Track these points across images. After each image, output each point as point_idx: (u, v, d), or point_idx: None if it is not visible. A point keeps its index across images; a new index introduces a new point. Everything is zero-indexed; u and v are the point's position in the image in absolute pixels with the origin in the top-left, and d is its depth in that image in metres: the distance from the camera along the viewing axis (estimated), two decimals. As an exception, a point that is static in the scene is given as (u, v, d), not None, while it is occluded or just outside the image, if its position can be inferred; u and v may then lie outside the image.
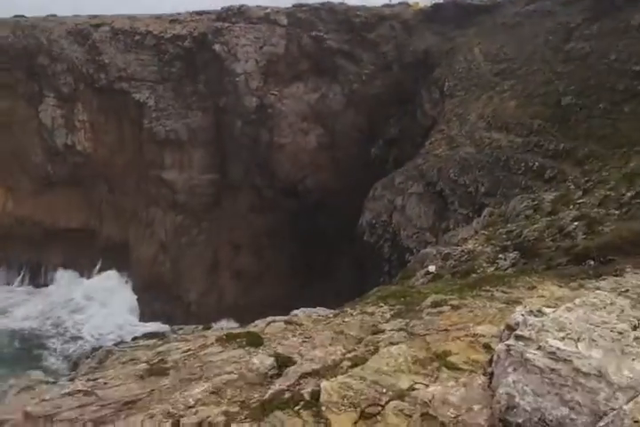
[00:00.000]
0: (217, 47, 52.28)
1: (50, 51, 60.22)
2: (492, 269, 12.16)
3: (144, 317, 54.16)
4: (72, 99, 59.83)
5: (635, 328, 5.41)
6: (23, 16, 66.74)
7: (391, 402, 6.48)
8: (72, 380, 9.53)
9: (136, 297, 56.44)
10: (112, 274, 59.86)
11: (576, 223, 12.74)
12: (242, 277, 52.01)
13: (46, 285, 61.23)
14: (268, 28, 52.73)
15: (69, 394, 8.38)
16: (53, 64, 60.18)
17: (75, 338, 52.11)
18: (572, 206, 14.94)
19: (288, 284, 48.89)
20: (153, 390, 8.52)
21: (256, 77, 51.81)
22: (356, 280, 37.62)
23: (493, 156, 29.87)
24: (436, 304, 9.27)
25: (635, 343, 5.07)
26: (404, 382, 6.88)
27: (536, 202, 16.82)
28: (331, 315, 10.87)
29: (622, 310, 5.89)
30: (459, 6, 51.96)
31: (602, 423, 4.28)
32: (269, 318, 11.40)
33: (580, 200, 15.31)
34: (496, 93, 35.70)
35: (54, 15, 67.04)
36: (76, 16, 65.25)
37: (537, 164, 27.55)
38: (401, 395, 6.56)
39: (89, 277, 60.72)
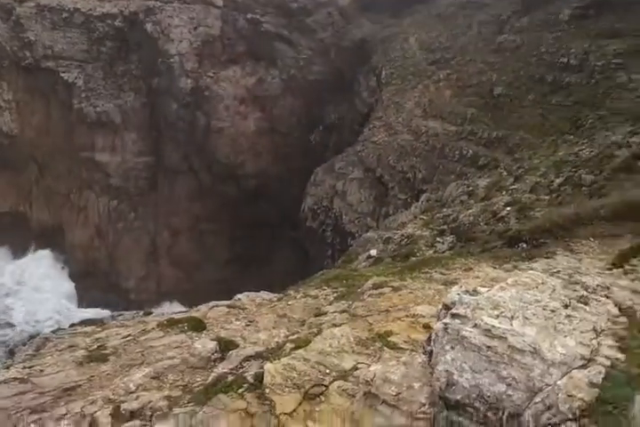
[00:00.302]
0: (149, 27, 50.60)
1: (-29, 27, 56.56)
2: (431, 252, 12.50)
3: (82, 303, 52.69)
4: (-4, 77, 56.63)
5: (566, 306, 5.62)
6: (-61, -12, 62.01)
7: (335, 382, 6.57)
8: (7, 368, 9.20)
9: (73, 284, 54.74)
10: (46, 256, 57.82)
11: (509, 208, 13.26)
12: (181, 263, 51.08)
13: None
14: (203, 9, 51.35)
15: (5, 382, 8.12)
16: (-25, 41, 56.62)
17: (9, 324, 50.05)
18: (504, 192, 15.53)
19: (230, 270, 48.54)
20: (93, 377, 8.36)
21: (191, 59, 50.56)
22: (300, 265, 37.80)
23: (430, 143, 30.57)
24: (377, 286, 9.45)
25: (566, 321, 5.25)
26: (347, 363, 6.98)
27: (471, 188, 17.36)
28: (274, 298, 10.91)
29: (554, 290, 6.11)
30: (394, -5, 52.46)
31: (537, 399, 4.45)
32: (212, 303, 11.33)
33: (512, 186, 15.93)
34: (431, 82, 36.39)
35: (-27, -12, 62.66)
36: (-3, -11, 61.37)
37: (471, 151, 28.44)
38: (344, 375, 6.67)
39: (22, 262, 58.42)
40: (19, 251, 58.69)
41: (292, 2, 53.04)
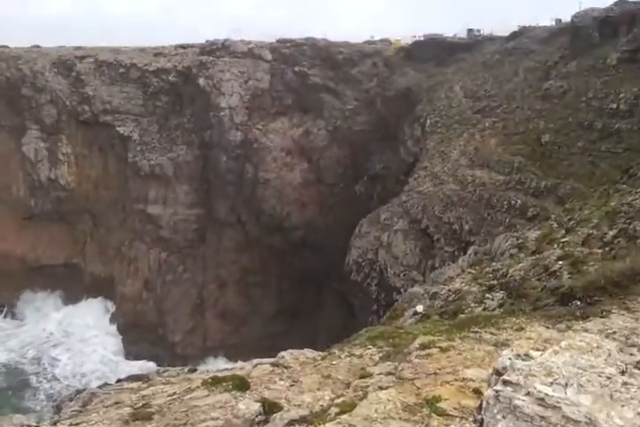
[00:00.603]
0: (202, 81, 52.55)
1: (33, 82, 59.81)
2: (480, 309, 12.12)
3: (129, 356, 53.16)
4: (56, 131, 59.36)
5: (623, 373, 5.32)
6: (7, 46, 66.24)
7: (381, 451, 6.33)
8: (55, 424, 9.25)
9: (120, 336, 55.50)
10: (96, 310, 59.04)
11: (561, 262, 12.82)
12: (227, 316, 51.20)
13: (28, 320, 59.89)
14: (253, 63, 53.18)
15: (51, 439, 8.15)
16: (37, 95, 59.69)
17: (55, 378, 50.67)
18: (555, 245, 15.05)
19: (275, 323, 48.34)
20: (137, 437, 8.30)
21: (240, 112, 52.12)
22: (345, 319, 37.13)
23: (476, 193, 30.06)
24: (424, 346, 9.17)
25: (623, 389, 4.96)
26: (394, 430, 6.73)
27: (520, 240, 16.92)
28: (318, 357, 10.71)
29: (609, 354, 5.81)
30: (438, 44, 53.30)
31: (595, 474, 4.18)
32: (256, 361, 11.20)
33: (564, 239, 15.44)
34: (477, 131, 36.24)
35: (38, 46, 66.67)
36: (60, 47, 65.10)
37: (519, 201, 27.82)
38: (391, 443, 6.42)
39: (70, 310, 59.72)
40: (69, 300, 60.27)
41: (337, 53, 54.47)
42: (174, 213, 53.20)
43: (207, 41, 56.66)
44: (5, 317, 60.78)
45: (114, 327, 56.95)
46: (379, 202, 41.00)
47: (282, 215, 49.96)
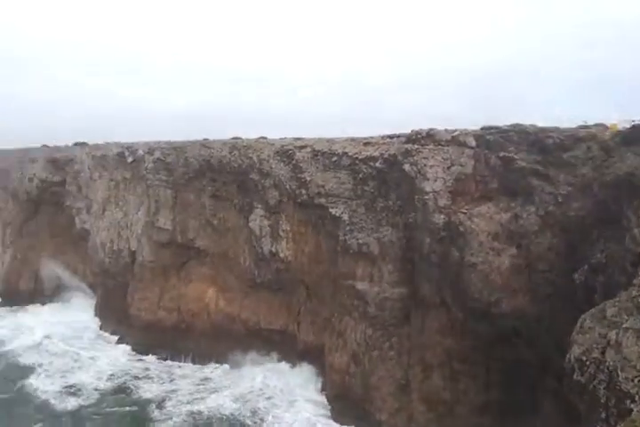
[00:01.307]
0: (407, 167, 54.81)
1: (260, 168, 68.97)
2: None
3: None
4: (277, 211, 67.34)
5: None
6: (239, 138, 77.96)
7: None
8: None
9: (328, 406, 58.34)
10: (305, 375, 63.48)
11: None
12: (432, 401, 50.26)
13: (245, 375, 66.53)
14: (456, 150, 54.11)
15: None
16: (263, 180, 68.53)
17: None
18: None
19: (482, 417, 46.53)
20: None
21: (444, 196, 52.84)
22: (566, 423, 34.67)
23: None
24: None
25: None
26: None
27: None
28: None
29: None
30: (664, 127, 50.12)
31: None
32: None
33: None
34: None
35: (264, 137, 77.58)
36: (282, 138, 74.64)
37: None
38: None
39: (284, 375, 64.91)
40: (282, 362, 66.39)
41: (546, 138, 53.38)
42: (380, 291, 55.05)
43: (412, 131, 59.28)
44: (232, 368, 68.87)
45: (320, 395, 60.87)
46: (603, 295, 38.14)
47: (489, 301, 48.51)
